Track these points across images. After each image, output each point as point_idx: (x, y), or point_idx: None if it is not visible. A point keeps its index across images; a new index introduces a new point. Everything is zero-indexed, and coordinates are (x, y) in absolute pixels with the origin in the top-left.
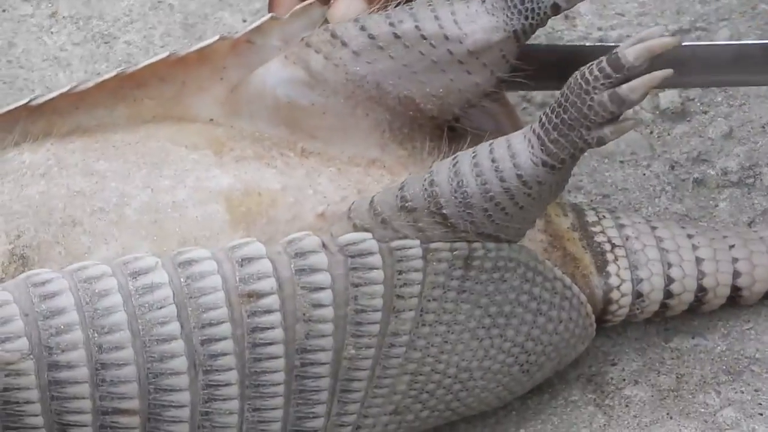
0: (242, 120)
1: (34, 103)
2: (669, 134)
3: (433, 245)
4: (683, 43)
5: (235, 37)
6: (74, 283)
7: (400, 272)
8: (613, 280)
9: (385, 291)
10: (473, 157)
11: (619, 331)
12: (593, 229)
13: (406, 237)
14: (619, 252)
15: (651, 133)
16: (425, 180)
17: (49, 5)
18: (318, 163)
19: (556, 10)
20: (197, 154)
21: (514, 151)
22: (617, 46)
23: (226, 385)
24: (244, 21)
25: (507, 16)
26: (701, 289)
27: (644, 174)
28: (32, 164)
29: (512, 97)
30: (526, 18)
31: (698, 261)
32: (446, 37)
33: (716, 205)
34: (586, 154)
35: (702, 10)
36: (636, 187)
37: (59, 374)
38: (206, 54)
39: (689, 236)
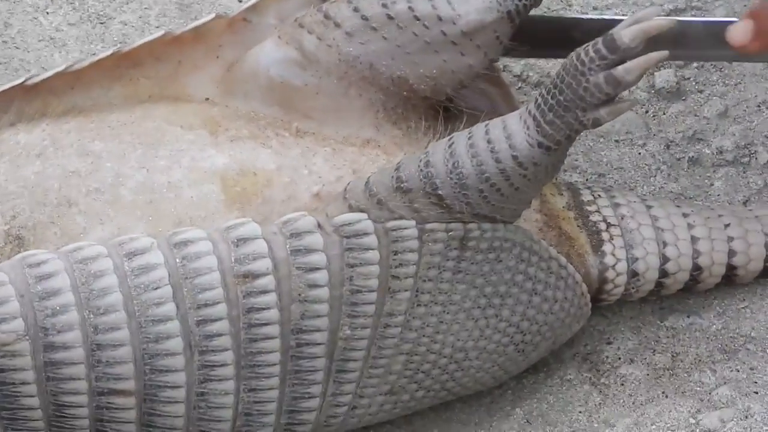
0: (237, 99)
1: (29, 82)
2: (664, 113)
3: (428, 226)
4: (679, 18)
5: (230, 15)
6: (70, 263)
7: (396, 253)
8: (609, 260)
9: (380, 271)
10: (469, 138)
11: (615, 310)
12: (588, 208)
13: (401, 218)
14: (615, 231)
15: (646, 112)
16: (421, 161)
17: None
18: (313, 142)
19: None
20: (192, 134)
21: (509, 132)
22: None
23: (222, 365)
24: (240, 1)
25: None
26: (696, 268)
27: (639, 153)
28: (28, 144)
29: (508, 77)
30: None
31: (693, 240)
32: (439, 18)
33: (711, 184)
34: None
35: None
36: (631, 166)
37: (55, 355)
38: (202, 32)
39: (684, 215)
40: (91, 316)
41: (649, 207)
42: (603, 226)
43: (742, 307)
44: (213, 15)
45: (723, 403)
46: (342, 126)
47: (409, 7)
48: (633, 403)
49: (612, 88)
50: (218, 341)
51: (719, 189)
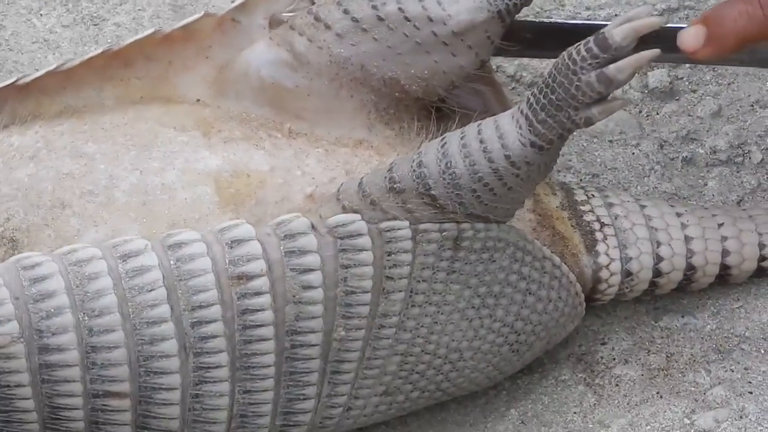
0: (229, 100)
1: (21, 81)
2: (658, 113)
3: (422, 226)
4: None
5: (219, 14)
6: (64, 266)
7: (390, 253)
8: (602, 259)
9: (374, 272)
10: (461, 138)
11: (609, 310)
12: (582, 208)
13: (395, 218)
14: (608, 231)
15: (640, 112)
16: (413, 161)
17: None
18: (305, 144)
19: None
20: (186, 136)
21: (502, 132)
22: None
23: (217, 367)
24: (233, 2)
25: None
26: (690, 268)
27: (633, 153)
28: (21, 147)
29: (501, 77)
30: None
31: (687, 239)
32: (430, 19)
33: (705, 184)
34: (574, 133)
35: None
36: (625, 166)
37: (50, 357)
38: (191, 32)
39: (678, 215)
40: (86, 318)
41: (642, 207)
42: (597, 225)
43: (737, 307)
44: (202, 13)
45: (717, 404)
46: (334, 127)
47: (399, 8)
48: (628, 404)
49: (604, 86)
50: (213, 343)
51: (713, 189)
